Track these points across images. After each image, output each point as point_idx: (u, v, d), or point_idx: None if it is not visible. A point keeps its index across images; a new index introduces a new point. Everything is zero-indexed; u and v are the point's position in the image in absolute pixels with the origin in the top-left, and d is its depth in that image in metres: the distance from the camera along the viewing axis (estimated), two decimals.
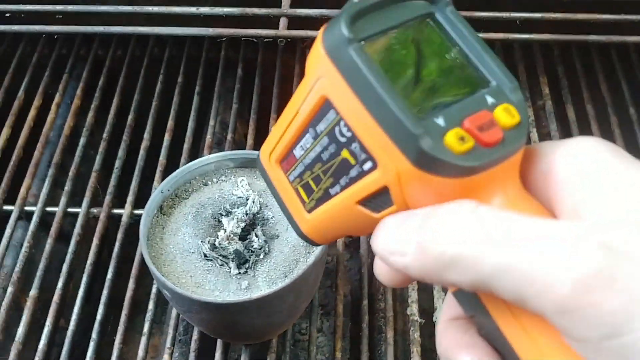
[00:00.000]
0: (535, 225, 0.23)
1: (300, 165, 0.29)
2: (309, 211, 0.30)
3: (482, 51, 0.27)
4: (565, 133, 0.91)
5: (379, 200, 0.26)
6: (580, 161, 0.25)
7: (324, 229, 0.30)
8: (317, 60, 0.26)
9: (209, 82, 1.01)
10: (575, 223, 0.23)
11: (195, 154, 0.91)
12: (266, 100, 0.96)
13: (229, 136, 0.92)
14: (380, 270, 0.29)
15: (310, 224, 0.30)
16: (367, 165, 0.26)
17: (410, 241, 0.25)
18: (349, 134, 0.26)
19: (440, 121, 0.25)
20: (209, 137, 0.92)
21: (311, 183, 0.29)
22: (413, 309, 0.76)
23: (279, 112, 0.94)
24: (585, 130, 0.91)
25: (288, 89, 0.97)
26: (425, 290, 0.81)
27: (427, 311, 0.78)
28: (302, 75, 0.98)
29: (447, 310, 0.30)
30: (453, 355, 0.28)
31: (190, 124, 0.93)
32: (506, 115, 0.25)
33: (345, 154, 0.27)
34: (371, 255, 0.83)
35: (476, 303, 0.26)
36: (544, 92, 0.96)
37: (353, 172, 0.27)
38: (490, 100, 0.26)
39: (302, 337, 0.88)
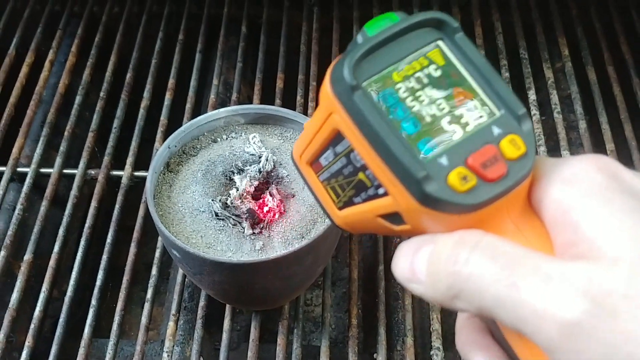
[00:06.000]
0: (532, 261, 0.24)
1: (327, 172, 0.31)
2: (339, 209, 0.31)
3: (491, 79, 0.27)
4: (586, 95, 0.87)
5: (395, 218, 0.27)
6: (569, 197, 0.25)
7: (354, 226, 0.31)
8: (328, 98, 0.27)
9: (211, 40, 0.96)
10: (565, 264, 0.23)
11: (198, 114, 0.86)
12: (272, 59, 0.91)
13: (234, 96, 0.87)
14: None
15: (342, 220, 0.31)
16: (381, 190, 0.27)
17: (422, 271, 0.26)
18: (362, 162, 0.27)
19: (443, 161, 0.25)
20: (212, 97, 0.87)
21: (337, 188, 0.30)
22: None
23: (285, 72, 0.90)
24: (606, 92, 0.87)
25: (295, 48, 0.93)
26: None
27: None
28: (309, 33, 0.93)
29: None
30: (469, 353, 0.30)
31: (193, 83, 0.88)
32: (511, 147, 0.26)
33: (361, 176, 0.28)
34: None
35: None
36: (563, 54, 0.91)
37: (370, 192, 0.28)
38: (496, 131, 0.26)
39: (308, 309, 0.84)
